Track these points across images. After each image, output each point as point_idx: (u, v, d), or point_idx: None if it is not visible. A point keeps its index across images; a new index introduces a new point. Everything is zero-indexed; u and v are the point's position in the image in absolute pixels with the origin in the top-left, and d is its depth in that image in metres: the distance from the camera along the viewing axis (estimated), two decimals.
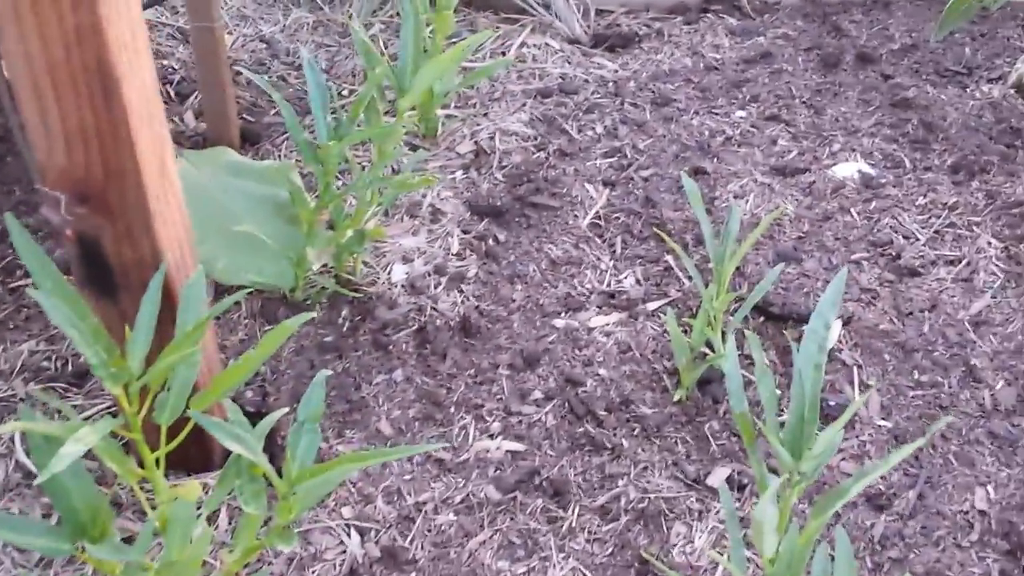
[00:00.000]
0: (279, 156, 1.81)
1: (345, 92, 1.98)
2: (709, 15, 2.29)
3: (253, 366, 0.96)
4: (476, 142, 1.88)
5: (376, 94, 1.43)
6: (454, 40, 2.15)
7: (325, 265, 1.57)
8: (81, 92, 0.94)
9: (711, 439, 1.38)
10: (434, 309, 1.55)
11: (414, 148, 1.86)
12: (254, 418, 1.02)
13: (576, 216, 1.75)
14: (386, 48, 2.11)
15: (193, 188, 1.49)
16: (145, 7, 1.58)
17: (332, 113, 1.37)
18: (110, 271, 1.08)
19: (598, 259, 1.67)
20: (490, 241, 1.68)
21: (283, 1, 2.22)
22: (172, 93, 1.92)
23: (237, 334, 1.48)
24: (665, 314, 1.56)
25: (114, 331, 1.10)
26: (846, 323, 1.54)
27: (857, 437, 1.38)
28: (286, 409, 1.09)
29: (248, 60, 2.03)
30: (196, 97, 1.90)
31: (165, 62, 1.99)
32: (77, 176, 1.00)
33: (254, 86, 1.95)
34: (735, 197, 1.76)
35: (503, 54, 2.14)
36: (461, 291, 1.59)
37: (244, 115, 1.85)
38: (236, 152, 1.54)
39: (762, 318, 1.55)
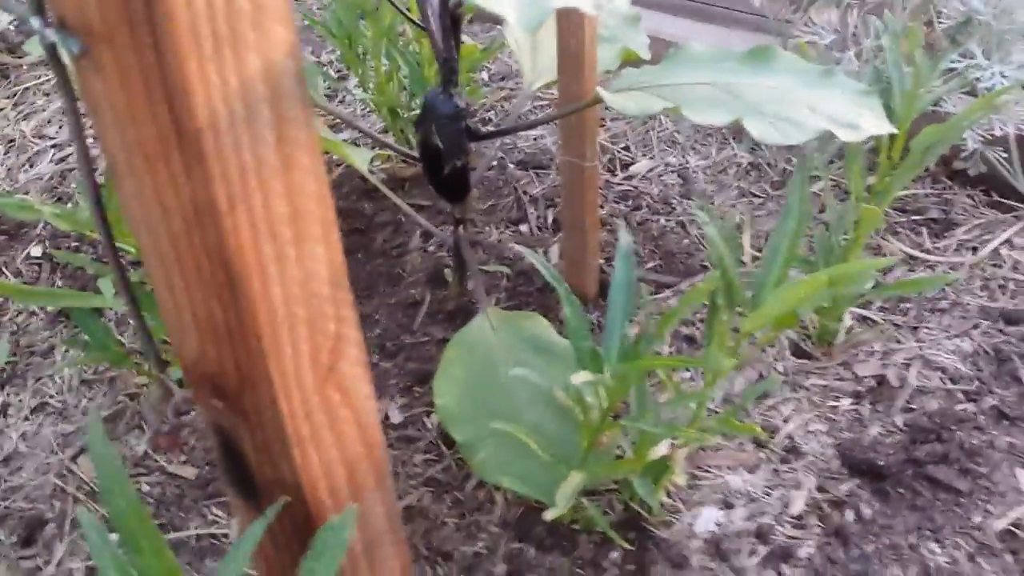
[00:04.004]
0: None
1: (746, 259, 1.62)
2: None
3: None
4: (884, 365, 1.42)
5: (723, 300, 1.08)
6: (916, 222, 1.69)
7: (617, 482, 1.25)
8: (204, 277, 0.72)
9: None
10: None
11: (799, 353, 1.45)
12: None
13: (988, 513, 1.23)
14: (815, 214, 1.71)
15: (481, 357, 1.25)
16: None
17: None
18: (251, 477, 0.87)
19: None
20: (848, 513, 1.24)
21: (723, 133, 1.91)
22: (550, 219, 1.70)
23: (475, 543, 1.21)
24: None
25: (260, 544, 0.89)
26: None
27: None
28: None
29: (654, 196, 1.75)
30: None
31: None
32: (211, 370, 0.79)
33: (639, 229, 1.67)
34: None
35: (974, 249, 1.63)
36: (779, 575, 1.17)
37: (611, 262, 1.58)
38: (548, 323, 1.28)
39: None
